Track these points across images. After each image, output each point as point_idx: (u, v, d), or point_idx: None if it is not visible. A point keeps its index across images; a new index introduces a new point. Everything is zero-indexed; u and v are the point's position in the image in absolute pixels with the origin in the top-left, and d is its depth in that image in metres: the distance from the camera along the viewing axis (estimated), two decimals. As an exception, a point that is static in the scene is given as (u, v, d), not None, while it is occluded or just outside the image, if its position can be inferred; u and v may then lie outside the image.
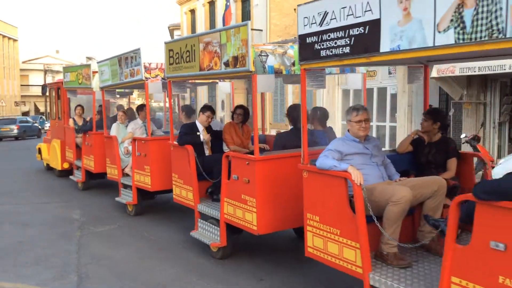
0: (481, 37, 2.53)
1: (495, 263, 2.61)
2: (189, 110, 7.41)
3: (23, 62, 52.37)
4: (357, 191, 3.45)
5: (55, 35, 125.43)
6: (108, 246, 5.96)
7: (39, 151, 13.09)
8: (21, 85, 49.63)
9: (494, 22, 2.46)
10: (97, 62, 8.57)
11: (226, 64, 4.72)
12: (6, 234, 6.62)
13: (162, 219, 7.20)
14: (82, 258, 5.54)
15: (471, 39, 2.58)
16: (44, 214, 7.79)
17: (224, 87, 8.18)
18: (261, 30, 19.80)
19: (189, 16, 27.91)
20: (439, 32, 2.73)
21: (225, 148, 6.03)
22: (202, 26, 26.15)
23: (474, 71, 9.24)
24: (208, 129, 6.23)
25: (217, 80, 8.33)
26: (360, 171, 3.57)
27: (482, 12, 2.51)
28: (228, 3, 20.61)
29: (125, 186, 7.76)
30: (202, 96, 26.38)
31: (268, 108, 18.97)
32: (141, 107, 8.33)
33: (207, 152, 6.09)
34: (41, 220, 7.40)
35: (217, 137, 6.15)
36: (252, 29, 18.81)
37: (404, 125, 13.15)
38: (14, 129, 27.76)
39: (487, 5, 2.48)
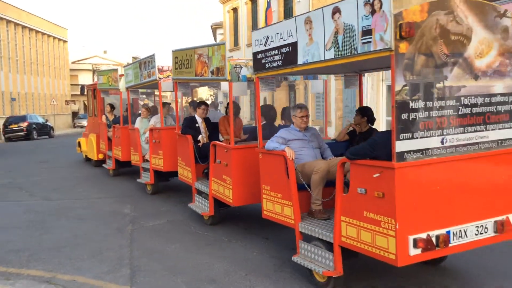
0: (346, 54, 3.86)
1: (361, 203, 3.89)
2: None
3: (73, 63, 54.84)
4: (289, 164, 4.80)
5: (103, 36, 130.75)
6: (159, 241, 6.18)
7: (79, 144, 15.06)
8: (71, 84, 51.84)
9: (352, 44, 3.79)
10: (123, 67, 10.31)
11: (212, 73, 6.17)
12: (63, 228, 6.97)
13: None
14: (134, 252, 5.74)
15: (341, 55, 3.92)
16: (97, 209, 8.21)
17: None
18: None
19: (231, 14, 28.59)
20: (327, 50, 4.08)
21: (221, 137, 7.39)
22: (244, 24, 26.63)
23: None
24: (207, 120, 7.64)
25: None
26: (294, 151, 4.93)
27: (347, 37, 3.84)
28: (269, 0, 20.71)
29: (145, 170, 9.52)
30: (246, 94, 28.01)
31: (310, 105, 19.59)
32: (164, 104, 9.95)
33: (205, 140, 7.46)
34: (95, 214, 7.80)
35: (214, 128, 7.54)
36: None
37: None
38: None
39: (349, 32, 3.81)
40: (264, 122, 6.50)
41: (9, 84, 37.24)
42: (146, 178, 9.41)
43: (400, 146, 3.53)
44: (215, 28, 34.93)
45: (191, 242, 6.08)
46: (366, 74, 15.15)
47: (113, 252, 5.74)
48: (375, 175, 3.70)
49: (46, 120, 33.41)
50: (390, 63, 3.48)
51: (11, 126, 28.77)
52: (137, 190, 9.79)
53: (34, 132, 29.52)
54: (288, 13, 22.12)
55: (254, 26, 25.45)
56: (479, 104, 3.87)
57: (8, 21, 37.22)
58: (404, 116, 3.55)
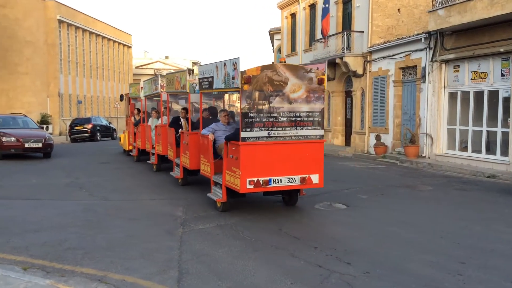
0: (228, 86, 7.67)
1: (231, 163, 7.69)
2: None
3: (136, 67, 57.09)
4: (209, 143, 8.65)
5: (165, 41, 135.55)
6: (207, 244, 6.27)
7: (120, 139, 19.67)
8: (134, 89, 55.06)
9: (229, 82, 7.58)
10: (143, 81, 14.55)
11: (182, 88, 10.15)
12: (117, 228, 7.13)
13: (256, 220, 7.66)
14: (183, 254, 5.83)
15: (226, 87, 7.73)
16: (150, 210, 8.45)
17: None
18: (362, 32, 19.58)
19: (289, 20, 28.29)
20: (222, 83, 7.90)
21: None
22: (302, 29, 26.20)
23: None
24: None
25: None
26: (216, 136, 8.78)
27: (228, 78, 7.63)
28: (326, 5, 20.32)
29: (153, 154, 13.67)
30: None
31: (368, 111, 19.35)
32: (164, 109, 13.97)
33: None
34: (148, 215, 8.01)
35: (195, 125, 11.44)
36: (352, 31, 19.72)
37: (517, 131, 12.22)
38: None
39: (228, 76, 7.60)
40: (211, 117, 10.34)
41: (76, 88, 40.01)
42: (153, 160, 13.63)
43: (243, 134, 7.31)
44: (272, 33, 34.96)
45: (239, 247, 6.14)
46: (427, 81, 15.55)
47: (162, 253, 5.87)
48: (233, 148, 7.52)
49: (110, 122, 34.15)
50: (240, 94, 7.27)
51: (76, 128, 29.53)
52: (189, 193, 10.02)
53: (98, 133, 30.09)
54: (346, 18, 21.41)
55: (312, 31, 24.98)
56: (292, 116, 7.57)
57: (77, 27, 40.14)
58: (246, 120, 7.31)
